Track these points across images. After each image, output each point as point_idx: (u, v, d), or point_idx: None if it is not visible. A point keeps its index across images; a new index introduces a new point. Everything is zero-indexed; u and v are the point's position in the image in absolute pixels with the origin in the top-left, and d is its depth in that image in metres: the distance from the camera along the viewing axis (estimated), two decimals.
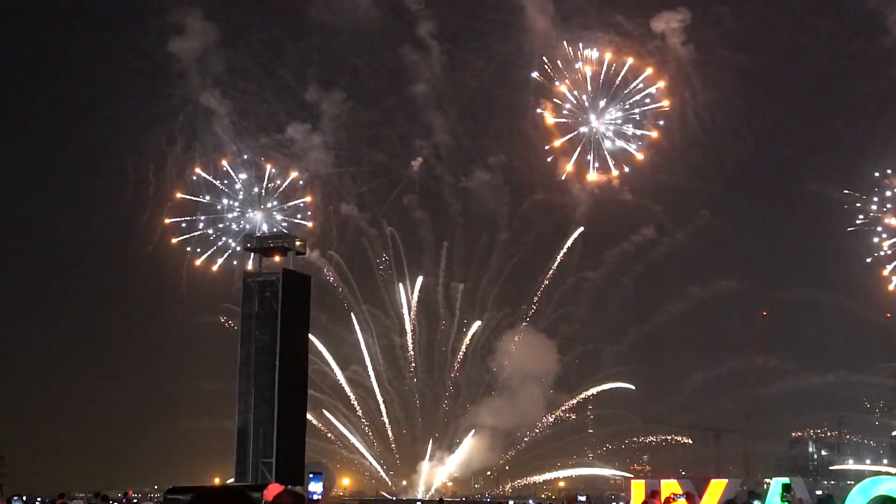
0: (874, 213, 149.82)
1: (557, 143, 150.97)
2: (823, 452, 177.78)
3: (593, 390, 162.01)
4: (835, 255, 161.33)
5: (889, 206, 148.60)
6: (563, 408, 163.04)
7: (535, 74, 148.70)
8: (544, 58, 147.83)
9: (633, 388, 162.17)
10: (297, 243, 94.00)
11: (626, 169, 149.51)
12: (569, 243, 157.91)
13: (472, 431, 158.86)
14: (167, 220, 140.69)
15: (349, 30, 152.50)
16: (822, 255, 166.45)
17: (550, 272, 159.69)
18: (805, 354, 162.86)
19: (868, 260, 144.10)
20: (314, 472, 79.04)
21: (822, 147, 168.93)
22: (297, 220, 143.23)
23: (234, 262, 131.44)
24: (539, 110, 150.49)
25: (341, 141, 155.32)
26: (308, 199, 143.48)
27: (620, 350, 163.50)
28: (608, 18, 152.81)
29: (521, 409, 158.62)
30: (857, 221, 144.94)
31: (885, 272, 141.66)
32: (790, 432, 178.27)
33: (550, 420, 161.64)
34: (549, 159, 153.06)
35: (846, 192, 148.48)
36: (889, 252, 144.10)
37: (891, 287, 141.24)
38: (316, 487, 67.13)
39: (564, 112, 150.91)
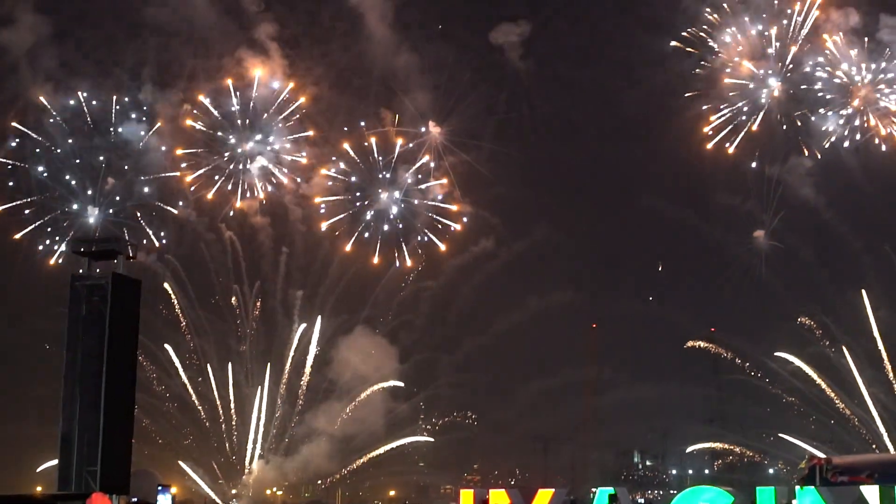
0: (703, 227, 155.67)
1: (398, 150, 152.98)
2: (648, 462, 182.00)
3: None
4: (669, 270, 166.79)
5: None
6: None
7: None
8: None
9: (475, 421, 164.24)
10: (128, 247, 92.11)
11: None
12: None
13: (310, 438, 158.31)
14: None
15: (186, 30, 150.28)
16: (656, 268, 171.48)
17: (401, 281, 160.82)
18: (638, 366, 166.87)
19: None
20: (162, 486, 78.11)
21: (655, 163, 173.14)
22: (131, 223, 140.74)
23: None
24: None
25: (177, 143, 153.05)
26: (143, 201, 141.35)
27: (458, 359, 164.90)
28: (448, 29, 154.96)
29: (360, 417, 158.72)
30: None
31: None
32: (619, 442, 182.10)
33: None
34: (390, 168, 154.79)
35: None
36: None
37: None
38: (165, 500, 67.07)
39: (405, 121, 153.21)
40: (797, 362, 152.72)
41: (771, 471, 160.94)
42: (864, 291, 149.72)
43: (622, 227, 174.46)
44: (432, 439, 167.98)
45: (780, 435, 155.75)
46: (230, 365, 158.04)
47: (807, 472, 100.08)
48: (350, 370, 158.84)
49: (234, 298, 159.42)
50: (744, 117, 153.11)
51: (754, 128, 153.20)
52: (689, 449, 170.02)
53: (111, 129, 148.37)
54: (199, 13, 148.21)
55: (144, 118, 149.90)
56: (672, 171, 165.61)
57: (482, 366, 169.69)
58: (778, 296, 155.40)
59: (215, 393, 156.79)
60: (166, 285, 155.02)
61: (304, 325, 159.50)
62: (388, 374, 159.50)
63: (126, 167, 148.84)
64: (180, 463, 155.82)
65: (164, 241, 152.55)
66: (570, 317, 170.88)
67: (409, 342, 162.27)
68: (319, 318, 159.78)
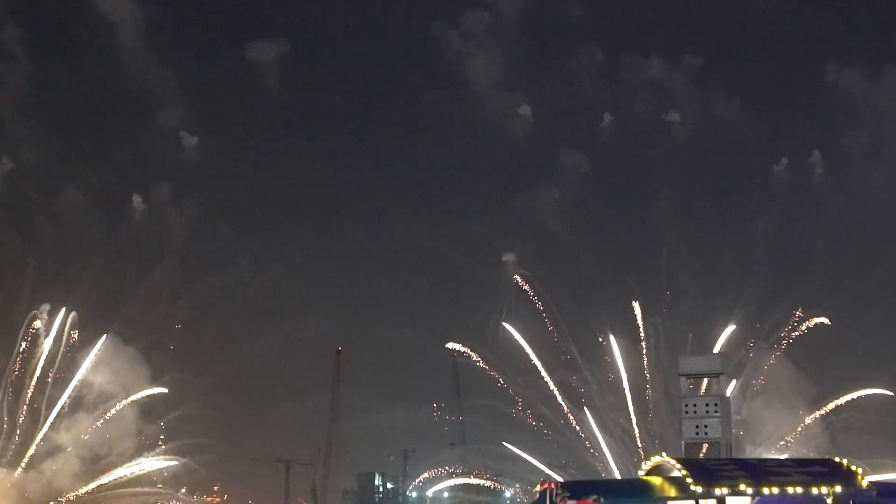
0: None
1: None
2: (389, 485, 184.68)
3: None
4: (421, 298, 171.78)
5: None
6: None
7: None
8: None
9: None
10: None
11: None
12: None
13: (53, 454, 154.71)
14: None
15: None
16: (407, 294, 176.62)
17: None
18: (384, 390, 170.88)
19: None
20: None
21: (409, 193, 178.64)
22: None
23: None
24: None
25: None
26: None
27: (210, 381, 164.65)
28: (204, 44, 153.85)
29: (108, 435, 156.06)
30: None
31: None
32: (361, 465, 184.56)
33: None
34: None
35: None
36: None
37: None
38: None
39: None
40: None
41: (508, 493, 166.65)
42: (607, 322, 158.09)
43: (376, 254, 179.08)
44: (176, 462, 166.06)
45: (522, 457, 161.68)
46: None
47: (538, 496, 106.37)
48: (97, 386, 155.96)
49: None
50: (494, 149, 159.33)
51: (505, 158, 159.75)
52: (430, 470, 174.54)
53: None
54: None
55: None
56: (425, 201, 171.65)
57: (233, 388, 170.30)
58: (527, 322, 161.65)
59: None
60: None
61: (50, 337, 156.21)
62: (140, 390, 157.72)
63: None
64: None
65: None
66: (321, 342, 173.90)
67: (162, 361, 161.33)
68: (67, 327, 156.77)
